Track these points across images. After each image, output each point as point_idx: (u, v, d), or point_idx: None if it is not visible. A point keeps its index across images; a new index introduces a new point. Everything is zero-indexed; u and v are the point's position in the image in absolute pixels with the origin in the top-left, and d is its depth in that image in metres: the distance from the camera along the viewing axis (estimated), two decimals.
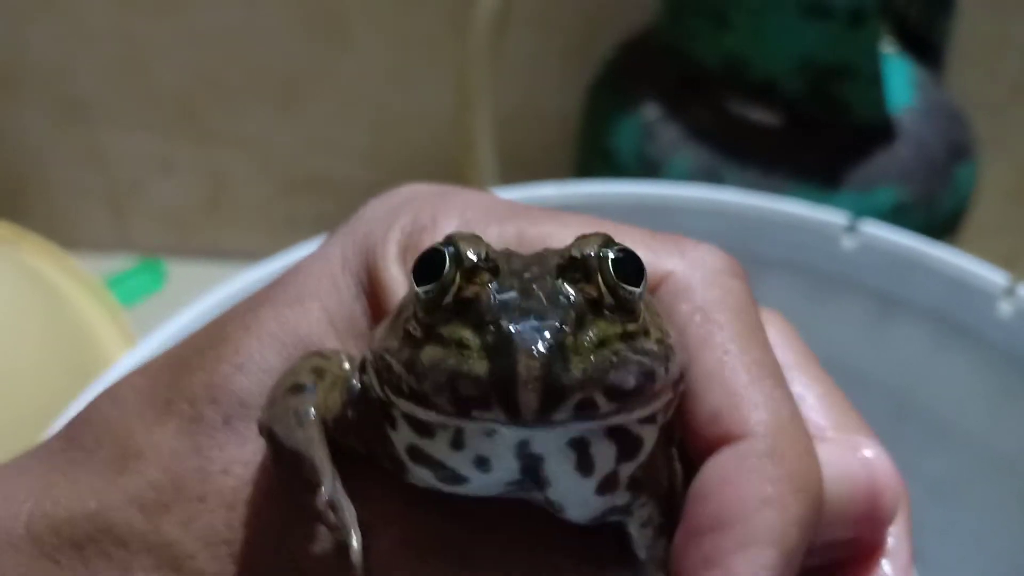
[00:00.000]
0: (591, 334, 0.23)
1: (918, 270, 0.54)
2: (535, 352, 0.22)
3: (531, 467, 0.24)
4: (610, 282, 0.24)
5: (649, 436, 0.26)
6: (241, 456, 0.29)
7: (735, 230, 0.55)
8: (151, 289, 0.95)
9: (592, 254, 0.24)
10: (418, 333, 0.24)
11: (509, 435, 0.24)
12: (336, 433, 0.27)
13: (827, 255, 0.55)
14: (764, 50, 0.73)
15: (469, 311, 0.24)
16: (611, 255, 0.24)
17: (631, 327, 0.24)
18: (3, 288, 0.74)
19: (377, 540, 0.27)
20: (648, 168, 0.74)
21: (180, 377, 0.30)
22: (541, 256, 0.25)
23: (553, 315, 0.23)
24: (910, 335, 0.55)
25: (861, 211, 0.56)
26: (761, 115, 0.75)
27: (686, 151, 0.74)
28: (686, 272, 0.29)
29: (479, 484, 0.25)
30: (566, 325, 0.23)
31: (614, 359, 0.23)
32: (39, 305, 0.75)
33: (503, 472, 0.25)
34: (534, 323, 0.23)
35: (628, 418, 0.24)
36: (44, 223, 0.88)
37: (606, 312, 0.24)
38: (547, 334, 0.23)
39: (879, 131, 0.75)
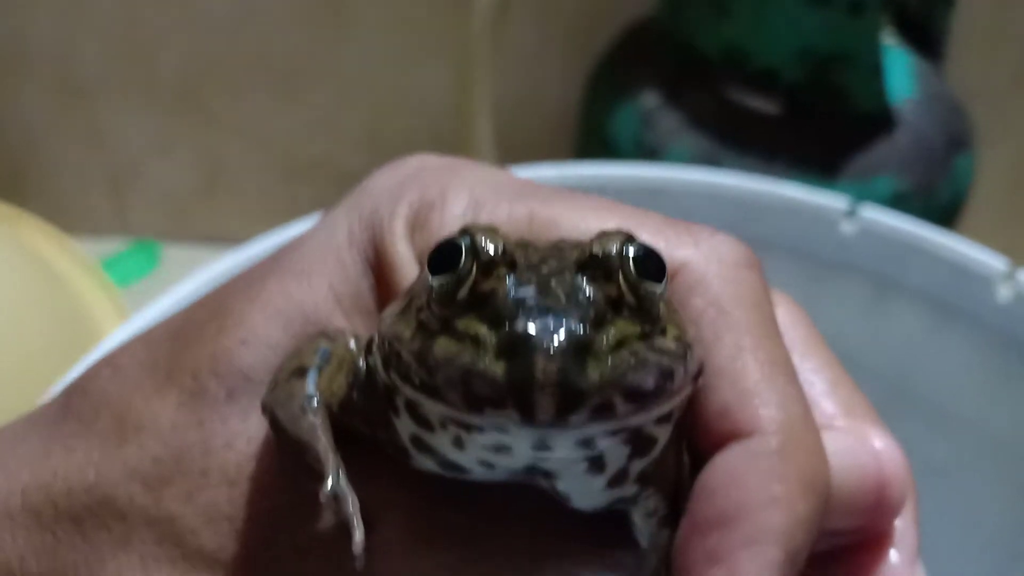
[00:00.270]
0: (610, 334, 0.23)
1: (917, 255, 0.54)
2: (553, 354, 0.22)
3: (540, 463, 0.24)
4: (632, 281, 0.24)
5: (663, 434, 0.25)
6: (244, 430, 0.28)
7: (735, 213, 0.55)
8: (145, 270, 0.95)
9: (613, 252, 0.24)
10: (431, 324, 0.24)
11: (521, 434, 0.23)
12: (341, 416, 0.27)
13: (827, 239, 0.55)
14: (764, 38, 0.73)
15: (485, 306, 0.23)
16: (632, 253, 0.24)
17: (649, 325, 0.24)
18: (1, 268, 0.74)
19: (381, 524, 0.27)
20: (647, 155, 0.74)
21: (182, 349, 0.30)
22: (559, 248, 0.25)
23: (572, 314, 0.22)
24: (909, 320, 0.55)
25: (860, 200, 0.56)
26: (761, 103, 0.75)
27: (685, 139, 0.74)
28: (700, 264, 0.28)
29: (484, 474, 0.25)
30: (585, 325, 0.22)
31: (633, 360, 0.23)
32: (37, 284, 0.75)
33: (510, 465, 0.25)
34: (552, 323, 0.22)
35: (646, 418, 0.24)
36: (43, 204, 0.88)
37: (625, 311, 0.23)
38: (565, 335, 0.22)
39: (879, 121, 0.75)
